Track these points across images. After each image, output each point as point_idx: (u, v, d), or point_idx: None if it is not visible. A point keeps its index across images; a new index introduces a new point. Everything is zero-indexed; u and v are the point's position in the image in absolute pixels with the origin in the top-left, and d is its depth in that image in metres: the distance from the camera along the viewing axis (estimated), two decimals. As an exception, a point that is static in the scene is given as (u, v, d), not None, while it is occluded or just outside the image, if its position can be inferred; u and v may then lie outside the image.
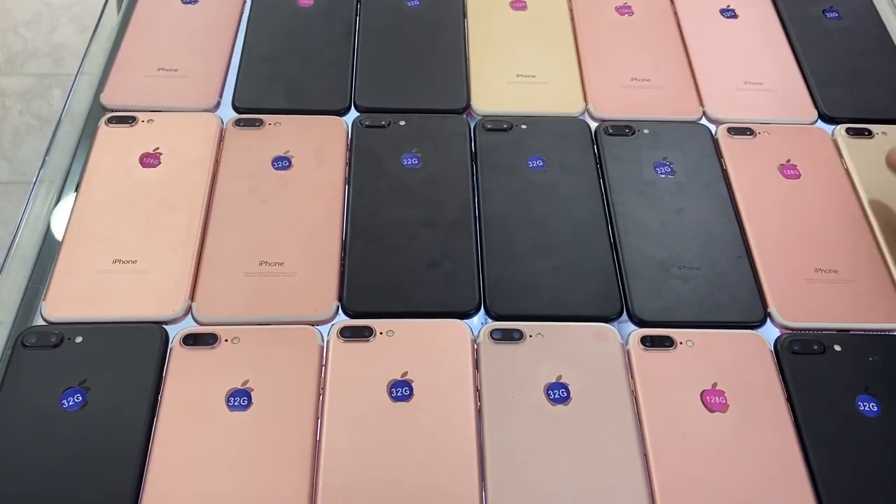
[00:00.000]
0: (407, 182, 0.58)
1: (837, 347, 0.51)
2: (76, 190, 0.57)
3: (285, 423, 0.47)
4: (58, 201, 0.58)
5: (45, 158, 0.60)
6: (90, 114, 0.63)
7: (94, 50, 0.68)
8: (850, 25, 0.72)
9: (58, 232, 0.56)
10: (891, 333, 0.52)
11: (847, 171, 0.61)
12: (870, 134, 0.62)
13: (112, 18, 0.71)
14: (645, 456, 0.47)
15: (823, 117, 0.65)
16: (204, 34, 0.67)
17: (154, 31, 0.67)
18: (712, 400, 0.49)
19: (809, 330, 0.52)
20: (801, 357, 0.51)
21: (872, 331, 0.52)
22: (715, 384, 0.49)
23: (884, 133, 0.62)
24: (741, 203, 0.58)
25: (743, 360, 0.51)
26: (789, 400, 0.49)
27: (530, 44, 0.68)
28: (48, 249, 0.55)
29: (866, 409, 0.49)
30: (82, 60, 0.67)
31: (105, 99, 0.62)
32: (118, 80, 0.63)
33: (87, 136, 0.61)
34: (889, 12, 0.74)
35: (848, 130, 0.63)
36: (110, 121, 0.61)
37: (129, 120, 0.61)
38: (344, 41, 0.67)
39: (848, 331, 0.52)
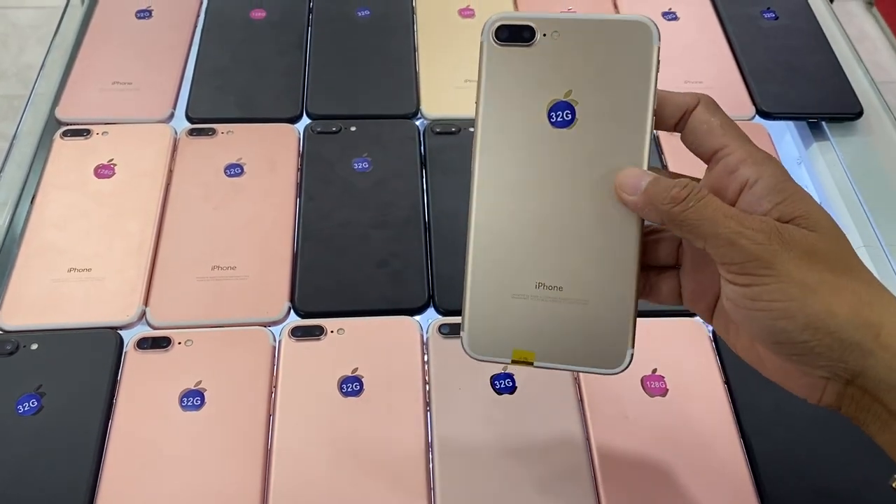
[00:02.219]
0: (358, 185, 0.60)
1: (773, 331, 0.53)
2: (31, 202, 0.58)
3: (238, 422, 0.48)
4: (13, 215, 0.59)
5: (0, 170, 0.61)
6: (46, 128, 0.64)
7: (52, 68, 0.69)
8: (787, 25, 0.74)
9: (13, 244, 0.56)
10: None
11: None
12: None
13: (70, 36, 0.72)
14: (588, 440, 0.48)
15: (761, 113, 0.67)
16: (158, 47, 0.68)
17: (108, 45, 0.68)
18: (652, 385, 0.50)
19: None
20: (738, 342, 0.53)
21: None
22: (655, 370, 0.51)
23: None
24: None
25: (682, 346, 0.53)
26: (727, 383, 0.51)
27: (477, 50, 0.70)
28: (4, 261, 0.56)
29: (800, 389, 0.51)
30: (36, 78, 0.68)
31: (60, 113, 0.63)
32: (73, 95, 0.65)
33: (44, 150, 0.62)
34: (824, 12, 0.77)
35: None
36: (65, 134, 0.62)
37: (84, 133, 0.62)
38: (296, 51, 0.69)
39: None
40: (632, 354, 0.35)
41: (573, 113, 0.35)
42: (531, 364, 0.36)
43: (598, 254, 0.35)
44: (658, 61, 0.34)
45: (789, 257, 0.30)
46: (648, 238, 0.36)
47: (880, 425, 0.31)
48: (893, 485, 0.32)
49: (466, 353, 0.36)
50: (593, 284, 0.35)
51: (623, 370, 0.35)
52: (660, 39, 0.34)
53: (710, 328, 0.53)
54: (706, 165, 0.34)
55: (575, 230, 0.35)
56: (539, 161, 0.35)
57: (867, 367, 0.30)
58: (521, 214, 0.35)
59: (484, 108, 0.35)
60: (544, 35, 0.35)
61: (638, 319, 0.53)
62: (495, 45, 0.35)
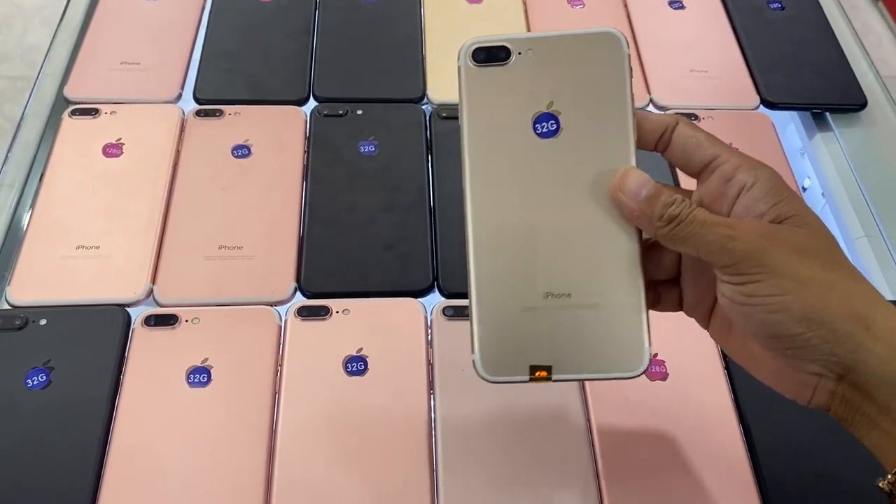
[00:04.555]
0: (364, 169, 0.60)
1: (773, 319, 0.54)
2: (40, 180, 0.58)
3: (244, 399, 0.49)
4: (22, 192, 0.60)
5: (7, 154, 0.61)
6: (54, 108, 0.64)
7: (59, 49, 0.69)
8: (793, 16, 0.75)
9: (22, 221, 0.57)
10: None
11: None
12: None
13: (76, 19, 0.72)
14: (588, 422, 0.49)
15: (765, 102, 0.67)
16: (166, 28, 0.69)
17: (117, 25, 0.69)
18: (653, 369, 0.51)
19: (747, 303, 0.55)
20: (739, 328, 0.53)
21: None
22: (656, 354, 0.52)
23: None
24: (680, 183, 0.60)
25: (683, 331, 0.53)
26: (726, 368, 0.52)
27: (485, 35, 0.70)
28: (13, 238, 0.56)
29: (799, 375, 0.51)
30: (44, 60, 0.68)
31: (69, 92, 0.64)
32: (82, 74, 0.65)
33: (52, 129, 0.62)
34: (830, 4, 0.78)
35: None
36: (74, 113, 0.62)
37: (93, 112, 0.62)
38: (303, 34, 0.69)
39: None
40: (650, 353, 0.34)
41: (557, 123, 0.35)
42: (549, 379, 0.35)
43: (601, 255, 0.35)
44: (630, 68, 0.35)
45: (780, 253, 0.31)
46: (650, 253, 0.36)
47: (868, 424, 0.32)
48: (880, 484, 0.33)
49: (480, 376, 0.35)
50: (601, 286, 0.35)
51: (643, 372, 0.34)
52: (629, 48, 0.35)
53: (712, 314, 0.54)
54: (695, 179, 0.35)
55: (575, 235, 0.35)
56: (531, 173, 0.35)
57: (858, 361, 0.30)
58: (519, 227, 0.35)
59: (469, 130, 0.35)
60: (519, 54, 0.35)
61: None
62: (473, 66, 0.35)
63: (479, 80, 0.35)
